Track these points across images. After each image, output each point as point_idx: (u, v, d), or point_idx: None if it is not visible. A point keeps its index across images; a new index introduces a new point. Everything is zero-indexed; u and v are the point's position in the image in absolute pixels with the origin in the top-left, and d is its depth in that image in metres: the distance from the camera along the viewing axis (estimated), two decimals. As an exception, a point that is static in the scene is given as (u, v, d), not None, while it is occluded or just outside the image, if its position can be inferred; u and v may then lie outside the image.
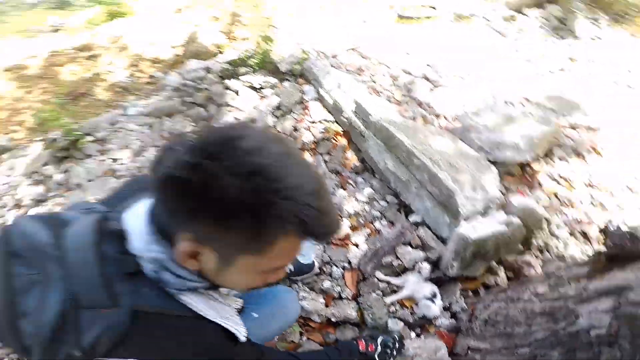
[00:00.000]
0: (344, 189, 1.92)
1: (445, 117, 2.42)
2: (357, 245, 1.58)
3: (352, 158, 2.13)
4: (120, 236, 0.59)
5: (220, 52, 3.75)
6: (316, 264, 1.48)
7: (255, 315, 1.01)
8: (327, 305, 1.37)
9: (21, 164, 2.65)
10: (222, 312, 0.67)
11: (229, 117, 2.55)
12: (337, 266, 1.50)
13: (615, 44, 3.57)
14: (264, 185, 0.48)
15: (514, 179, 1.91)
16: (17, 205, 2.40)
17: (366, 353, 1.09)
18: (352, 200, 1.85)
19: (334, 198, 1.88)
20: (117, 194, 0.74)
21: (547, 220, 1.62)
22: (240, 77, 2.81)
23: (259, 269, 0.59)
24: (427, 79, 2.79)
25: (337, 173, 2.05)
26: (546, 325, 1.03)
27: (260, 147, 0.50)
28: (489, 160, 1.87)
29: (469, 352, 1.20)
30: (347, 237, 1.61)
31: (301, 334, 1.31)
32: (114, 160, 2.39)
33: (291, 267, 1.41)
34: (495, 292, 1.40)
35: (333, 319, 1.32)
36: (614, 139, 2.27)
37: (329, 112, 2.45)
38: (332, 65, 2.80)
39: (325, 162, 2.13)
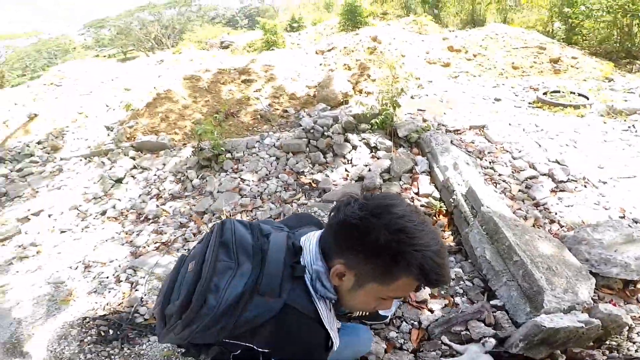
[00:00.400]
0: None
1: (559, 224, 2.58)
2: (431, 311, 2.09)
3: (448, 238, 2.57)
4: (296, 251, 0.97)
5: (346, 102, 4.66)
6: (389, 315, 2.02)
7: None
8: (386, 352, 1.88)
9: (171, 162, 3.80)
10: (332, 323, 0.98)
11: (341, 169, 3.30)
12: (407, 322, 2.03)
13: None
14: (404, 240, 0.81)
15: (611, 292, 2.15)
16: (157, 196, 3.44)
17: None
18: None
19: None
20: (290, 222, 1.19)
21: (629, 327, 1.87)
22: (360, 133, 3.58)
23: (378, 296, 0.91)
24: (552, 178, 2.97)
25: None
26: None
27: (405, 214, 0.84)
28: (591, 272, 2.16)
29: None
30: (425, 302, 2.13)
31: (355, 366, 1.80)
32: (243, 180, 3.32)
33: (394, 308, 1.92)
34: (548, 373, 1.72)
35: (388, 363, 1.82)
36: None
37: (437, 188, 2.89)
38: (452, 142, 3.31)
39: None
